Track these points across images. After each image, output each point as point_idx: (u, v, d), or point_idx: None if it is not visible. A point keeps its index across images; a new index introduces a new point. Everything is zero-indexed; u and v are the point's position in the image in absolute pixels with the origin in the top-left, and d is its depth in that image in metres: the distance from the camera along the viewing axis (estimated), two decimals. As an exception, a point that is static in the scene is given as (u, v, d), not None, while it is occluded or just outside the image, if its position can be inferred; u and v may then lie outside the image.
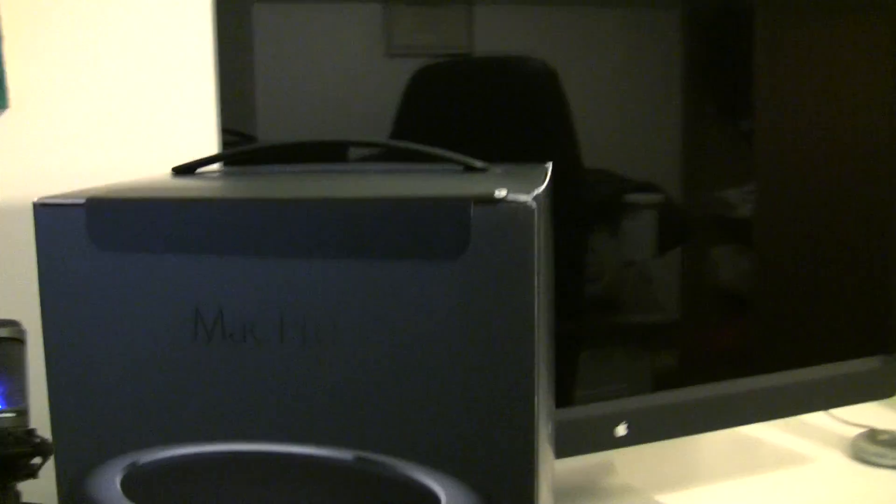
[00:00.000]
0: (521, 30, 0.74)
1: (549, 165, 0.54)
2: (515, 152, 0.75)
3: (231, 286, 0.41)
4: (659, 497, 0.90)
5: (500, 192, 0.39)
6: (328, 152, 0.69)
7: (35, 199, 0.43)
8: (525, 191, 0.39)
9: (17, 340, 0.78)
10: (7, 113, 0.86)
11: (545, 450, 0.47)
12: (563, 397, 0.80)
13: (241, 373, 0.42)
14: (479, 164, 0.49)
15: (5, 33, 0.85)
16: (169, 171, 0.54)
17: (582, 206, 0.79)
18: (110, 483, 0.43)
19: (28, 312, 0.70)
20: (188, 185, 0.46)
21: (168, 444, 0.43)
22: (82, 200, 0.43)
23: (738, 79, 0.84)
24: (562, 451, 0.79)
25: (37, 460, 0.74)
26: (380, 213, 0.40)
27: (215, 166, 0.58)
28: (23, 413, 0.76)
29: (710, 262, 0.85)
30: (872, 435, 1.00)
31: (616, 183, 0.80)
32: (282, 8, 0.67)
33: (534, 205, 0.39)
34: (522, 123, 0.75)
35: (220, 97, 0.66)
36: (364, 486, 0.41)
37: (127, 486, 0.43)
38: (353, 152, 0.70)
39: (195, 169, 0.52)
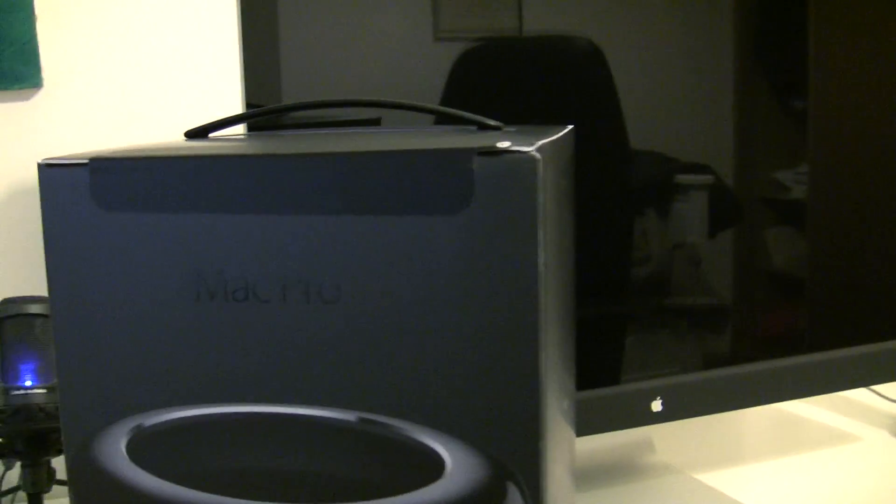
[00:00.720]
0: (570, 9, 0.73)
1: (571, 126, 0.53)
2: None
3: (232, 245, 0.41)
4: (698, 476, 0.88)
5: (504, 143, 0.38)
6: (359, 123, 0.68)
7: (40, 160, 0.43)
8: (529, 143, 0.38)
9: (48, 317, 0.78)
10: (41, 92, 0.86)
11: (557, 421, 0.45)
12: (608, 378, 0.78)
13: (245, 333, 0.41)
14: (492, 122, 0.48)
15: (39, 13, 0.85)
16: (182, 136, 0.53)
17: (631, 187, 0.77)
18: (116, 447, 0.43)
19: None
20: (193, 146, 0.45)
21: (172, 405, 0.42)
22: (86, 160, 0.42)
23: (792, 57, 0.82)
24: (598, 426, 0.78)
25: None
26: (382, 167, 0.39)
27: (231, 132, 0.57)
28: (54, 389, 0.77)
29: (759, 244, 0.83)
30: (920, 413, 0.97)
31: (666, 164, 0.79)
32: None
33: (538, 155, 0.37)
34: (570, 104, 0.73)
35: (245, 84, 0.65)
36: (368, 447, 0.40)
37: (132, 449, 0.43)
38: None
39: (207, 133, 0.52)
